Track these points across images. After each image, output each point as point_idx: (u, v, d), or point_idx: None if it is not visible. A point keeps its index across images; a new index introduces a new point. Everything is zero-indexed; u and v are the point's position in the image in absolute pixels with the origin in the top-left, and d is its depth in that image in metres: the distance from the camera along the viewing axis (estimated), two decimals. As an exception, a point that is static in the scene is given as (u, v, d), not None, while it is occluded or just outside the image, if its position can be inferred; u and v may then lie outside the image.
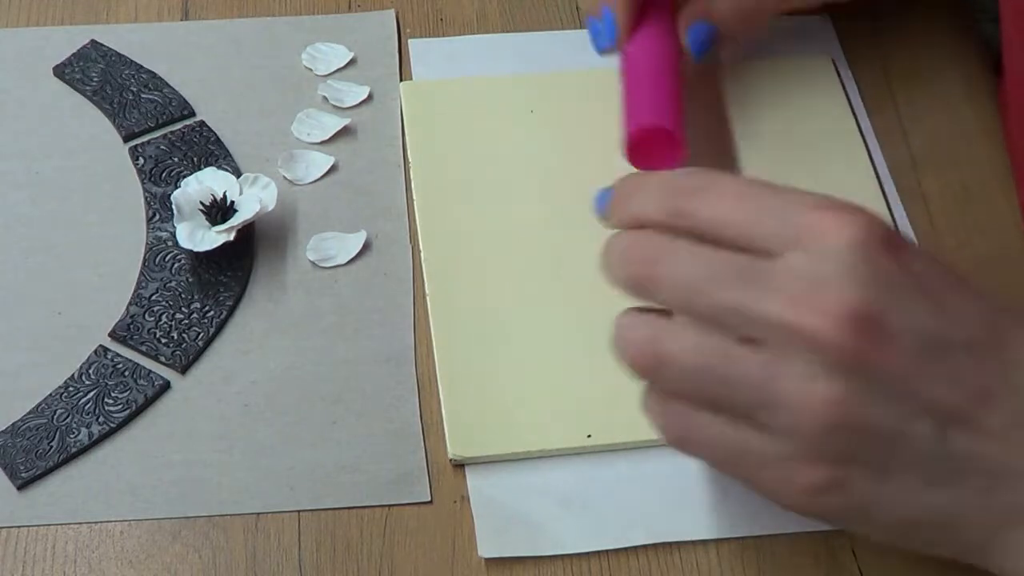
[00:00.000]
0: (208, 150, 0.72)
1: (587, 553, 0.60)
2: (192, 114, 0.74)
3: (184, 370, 0.64)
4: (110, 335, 0.65)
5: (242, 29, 0.77)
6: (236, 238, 0.67)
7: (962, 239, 0.70)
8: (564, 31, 0.78)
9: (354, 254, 0.68)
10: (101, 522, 0.60)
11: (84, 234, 0.69)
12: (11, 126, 0.73)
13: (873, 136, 0.73)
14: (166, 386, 0.64)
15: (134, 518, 0.60)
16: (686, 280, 0.50)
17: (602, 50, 0.67)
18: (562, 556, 0.60)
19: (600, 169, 0.71)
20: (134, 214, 0.70)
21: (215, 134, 0.73)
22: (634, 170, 0.59)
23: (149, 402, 0.63)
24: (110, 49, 0.76)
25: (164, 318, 0.66)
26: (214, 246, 0.66)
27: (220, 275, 0.67)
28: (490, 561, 0.59)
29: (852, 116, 0.73)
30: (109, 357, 0.64)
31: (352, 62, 0.76)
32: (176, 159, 0.72)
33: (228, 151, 0.72)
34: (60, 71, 0.75)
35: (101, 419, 0.63)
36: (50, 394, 0.63)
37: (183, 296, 0.66)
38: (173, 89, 0.74)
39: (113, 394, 0.63)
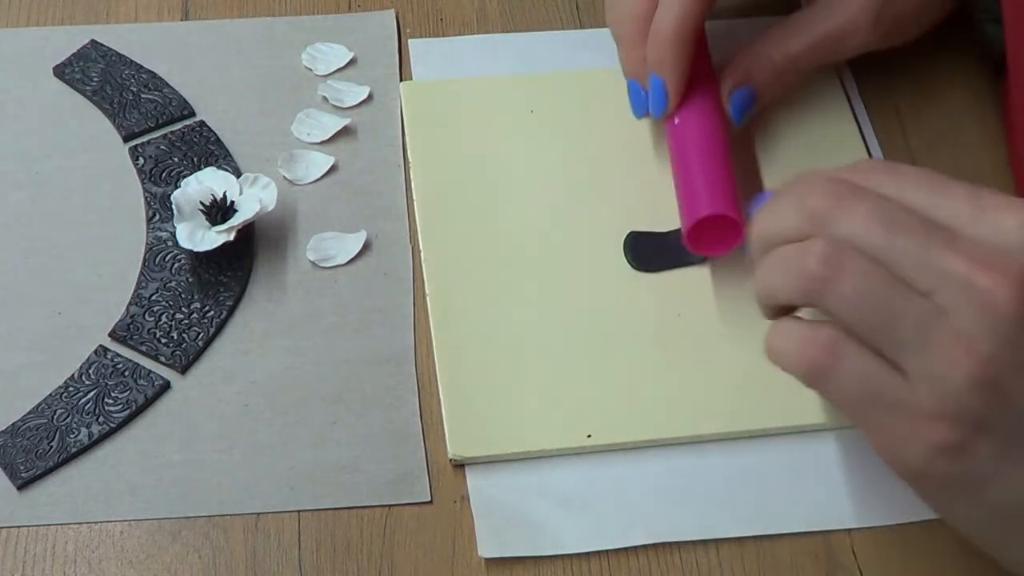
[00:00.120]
0: (208, 150, 0.72)
1: (587, 553, 0.60)
2: (192, 114, 0.74)
3: (184, 370, 0.64)
4: (110, 335, 0.65)
5: (242, 29, 0.77)
6: (236, 238, 0.67)
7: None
8: (564, 31, 0.78)
9: (354, 254, 0.68)
10: (101, 522, 0.60)
11: (84, 234, 0.69)
12: (11, 126, 0.73)
13: (873, 136, 0.73)
14: (166, 386, 0.64)
15: (134, 518, 0.60)
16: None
17: (643, 116, 0.69)
18: (562, 556, 0.60)
19: (600, 169, 0.71)
20: (134, 214, 0.70)
21: (215, 134, 0.73)
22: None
23: (149, 402, 0.63)
24: (110, 49, 0.76)
25: (164, 318, 0.66)
26: (214, 246, 0.66)
27: (220, 275, 0.67)
28: (490, 561, 0.59)
29: (852, 116, 0.73)
30: (109, 357, 0.65)
31: (352, 62, 0.76)
32: (176, 159, 0.72)
33: (228, 151, 0.72)
34: (60, 71, 0.75)
35: (101, 419, 0.63)
36: (50, 394, 0.63)
37: (183, 296, 0.66)
38: (173, 89, 0.74)
39: (113, 394, 0.63)
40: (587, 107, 0.72)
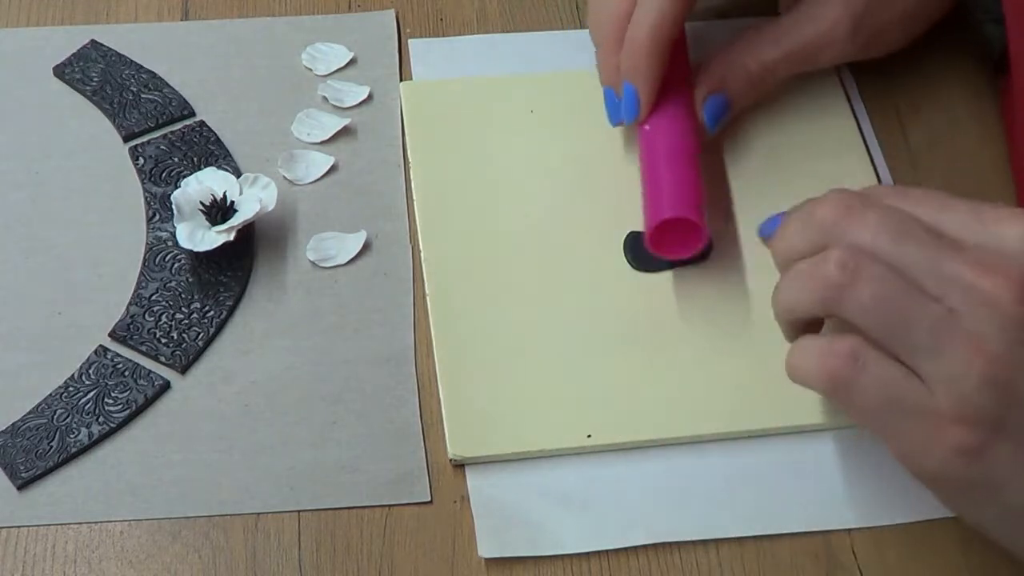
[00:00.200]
0: (208, 150, 0.72)
1: (587, 553, 0.60)
2: (192, 114, 0.74)
3: (184, 370, 0.64)
4: (110, 335, 0.65)
5: (242, 29, 0.77)
6: (236, 238, 0.67)
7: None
8: (564, 31, 0.78)
9: (354, 254, 0.68)
10: (101, 522, 0.60)
11: (84, 234, 0.69)
12: (11, 126, 0.73)
13: (873, 136, 0.73)
14: (166, 386, 0.64)
15: (134, 518, 0.60)
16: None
17: (617, 123, 0.69)
18: (562, 556, 0.60)
19: (599, 169, 0.71)
20: (134, 214, 0.70)
21: (215, 134, 0.73)
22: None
23: (149, 402, 0.63)
24: (110, 49, 0.76)
25: (164, 318, 0.66)
26: (214, 246, 0.66)
27: (220, 275, 0.67)
28: (490, 561, 0.59)
29: (852, 116, 0.73)
30: (109, 357, 0.65)
31: (352, 62, 0.76)
32: (176, 159, 0.72)
33: (228, 151, 0.72)
34: (60, 71, 0.75)
35: (101, 419, 0.63)
36: (50, 394, 0.63)
37: (183, 296, 0.66)
38: (173, 89, 0.74)
39: (113, 394, 0.63)
40: (587, 107, 0.72)
